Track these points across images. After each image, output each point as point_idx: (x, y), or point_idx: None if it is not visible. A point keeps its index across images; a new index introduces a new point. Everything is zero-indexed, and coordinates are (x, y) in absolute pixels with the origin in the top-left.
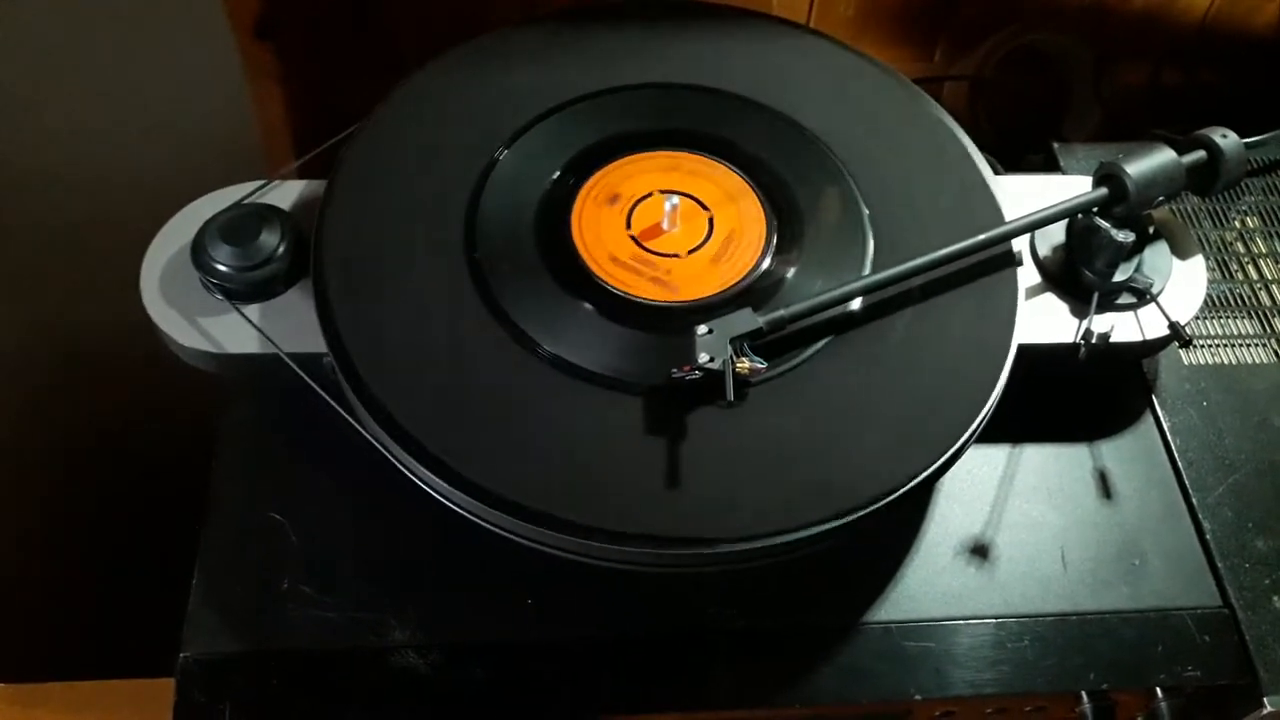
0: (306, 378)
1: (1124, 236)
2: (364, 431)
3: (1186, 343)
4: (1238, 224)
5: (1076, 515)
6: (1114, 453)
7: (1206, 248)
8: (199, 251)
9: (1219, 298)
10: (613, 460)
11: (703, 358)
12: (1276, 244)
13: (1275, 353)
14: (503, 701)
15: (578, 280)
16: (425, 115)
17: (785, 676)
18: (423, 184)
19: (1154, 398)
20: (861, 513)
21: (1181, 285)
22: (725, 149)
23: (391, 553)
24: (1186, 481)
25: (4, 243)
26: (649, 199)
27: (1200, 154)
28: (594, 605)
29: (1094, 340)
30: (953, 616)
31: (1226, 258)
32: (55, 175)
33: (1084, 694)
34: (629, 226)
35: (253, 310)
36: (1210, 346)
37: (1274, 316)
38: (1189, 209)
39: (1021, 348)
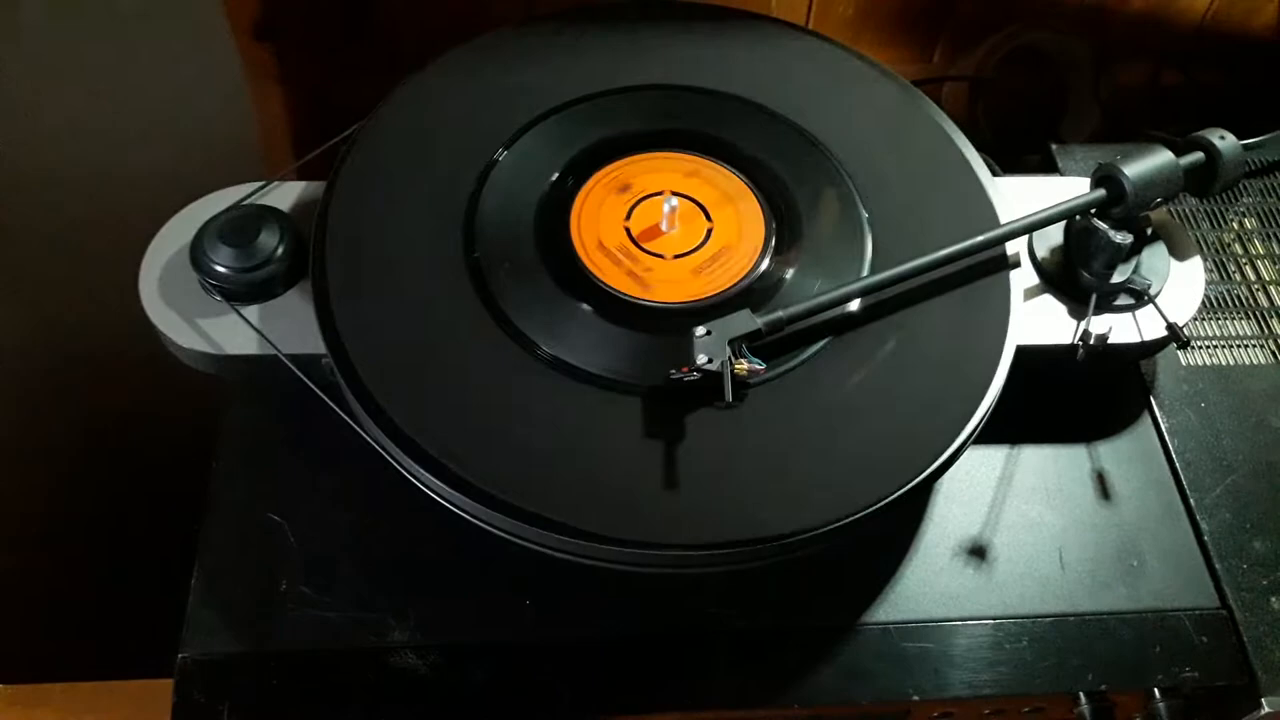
0: (305, 379)
1: (1122, 238)
2: (362, 433)
3: (1184, 344)
4: (1235, 225)
5: (1075, 516)
6: (1112, 454)
7: (1204, 249)
8: (198, 253)
9: (1217, 299)
10: (611, 461)
11: (701, 359)
12: (1274, 245)
13: (1273, 354)
14: (502, 702)
15: (576, 281)
16: (424, 116)
17: (784, 677)
18: (422, 185)
19: (1152, 399)
20: (860, 514)
21: (1179, 286)
22: (724, 150)
23: (390, 554)
24: (1184, 482)
25: (3, 243)
26: (648, 200)
27: (1198, 155)
28: (593, 606)
29: (1092, 341)
30: (951, 617)
31: (1224, 259)
32: (55, 175)
33: (1082, 695)
34: (628, 228)
35: (251, 311)
36: (1208, 348)
37: (1272, 318)
38: (1187, 210)
39: (1019, 349)
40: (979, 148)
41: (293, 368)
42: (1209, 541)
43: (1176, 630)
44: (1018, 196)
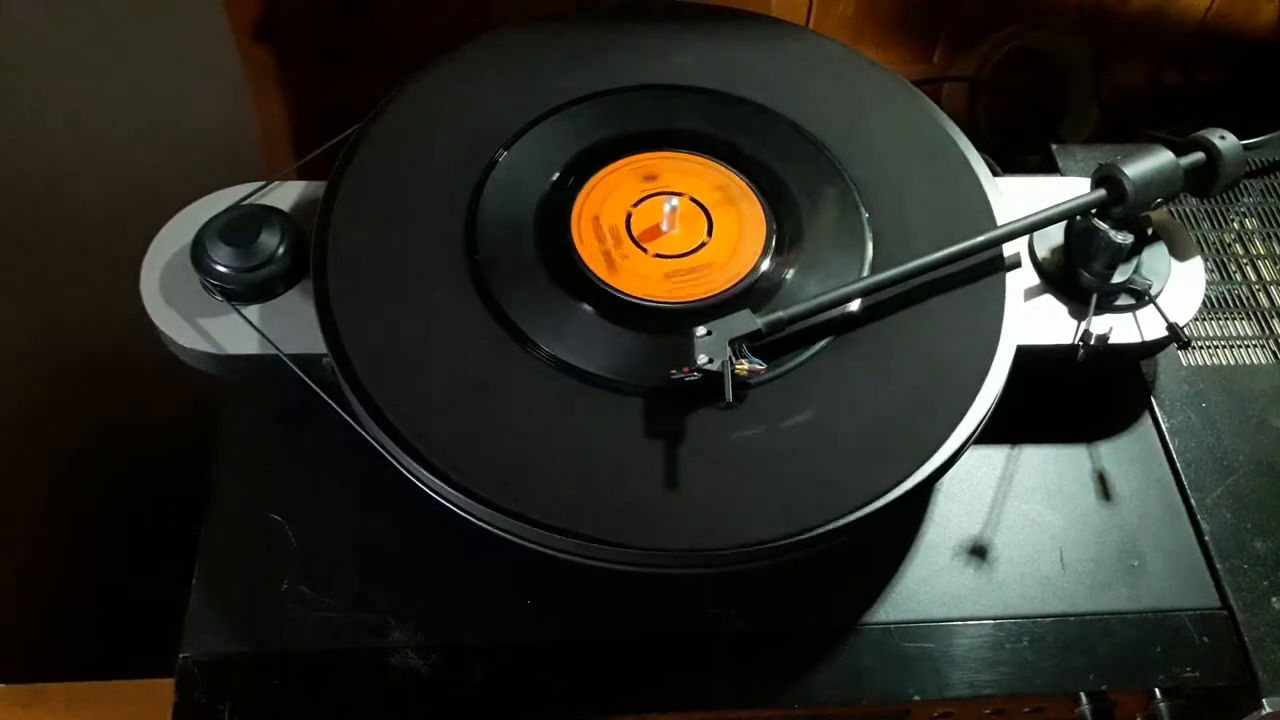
0: (306, 378)
1: (1122, 238)
2: (363, 432)
3: (1185, 344)
4: (1236, 225)
5: (1075, 516)
6: (1113, 454)
7: (1205, 249)
8: (199, 252)
9: (1217, 299)
10: (611, 461)
11: (701, 359)
12: (1275, 245)
13: (1274, 354)
14: (502, 702)
15: (577, 282)
16: (425, 116)
17: (784, 677)
18: (422, 185)
19: (1153, 399)
20: (861, 514)
21: (1180, 287)
22: (725, 150)
23: (391, 553)
24: (1185, 482)
25: (3, 243)
26: (649, 200)
27: (1199, 155)
28: (593, 606)
29: (1093, 341)
30: (951, 617)
31: (1225, 259)
32: (55, 176)
33: (1083, 695)
34: (629, 228)
35: (252, 311)
36: (1209, 348)
37: (1272, 318)
38: (1187, 210)
39: (1020, 349)
40: (979, 148)
41: (294, 367)
42: (1210, 541)
43: (1177, 630)
44: (1018, 197)
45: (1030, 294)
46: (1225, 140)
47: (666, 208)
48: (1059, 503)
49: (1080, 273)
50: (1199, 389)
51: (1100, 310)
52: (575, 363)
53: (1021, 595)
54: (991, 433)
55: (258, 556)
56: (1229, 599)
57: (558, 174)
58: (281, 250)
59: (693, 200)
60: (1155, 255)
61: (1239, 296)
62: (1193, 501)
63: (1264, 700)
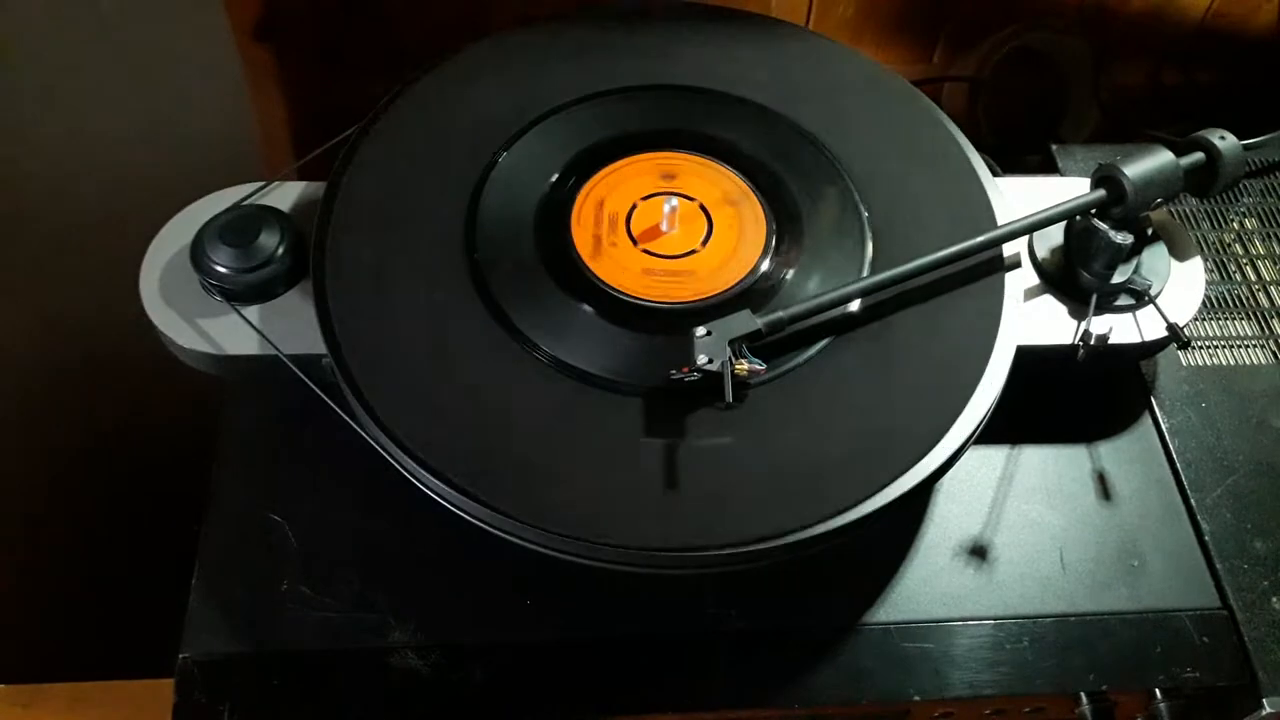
0: (306, 379)
1: (1122, 238)
2: (363, 433)
3: (1185, 344)
4: (1236, 225)
5: (1075, 516)
6: (1113, 454)
7: (1205, 249)
8: (198, 253)
9: (1217, 299)
10: (611, 461)
11: (701, 359)
12: (1275, 245)
13: (1274, 354)
14: (502, 702)
15: (577, 282)
16: (425, 116)
17: (784, 677)
18: (422, 185)
19: (1152, 399)
20: (861, 514)
21: (1180, 287)
22: (725, 151)
23: (391, 553)
24: (1185, 483)
25: (4, 243)
26: (648, 201)
27: (1198, 156)
28: (593, 606)
29: (1092, 341)
30: (951, 617)
31: (1225, 259)
32: (55, 176)
33: (1083, 695)
34: (629, 228)
35: (252, 312)
36: (1209, 348)
37: (1272, 318)
38: (1187, 210)
39: (1020, 349)
40: (979, 148)
41: (293, 368)
42: (1210, 542)
43: (1177, 630)
44: (1018, 197)
45: (1030, 294)
46: (1225, 140)
47: (666, 208)
48: (1059, 503)
49: (1080, 273)
50: (1199, 389)
51: (1100, 310)
52: (575, 363)
53: (1021, 595)
54: (991, 433)
55: (258, 557)
56: (1229, 599)
57: (557, 175)
58: (281, 251)
59: (700, 206)
60: (1155, 255)
61: (1239, 296)
62: (1193, 501)
63: (1264, 700)
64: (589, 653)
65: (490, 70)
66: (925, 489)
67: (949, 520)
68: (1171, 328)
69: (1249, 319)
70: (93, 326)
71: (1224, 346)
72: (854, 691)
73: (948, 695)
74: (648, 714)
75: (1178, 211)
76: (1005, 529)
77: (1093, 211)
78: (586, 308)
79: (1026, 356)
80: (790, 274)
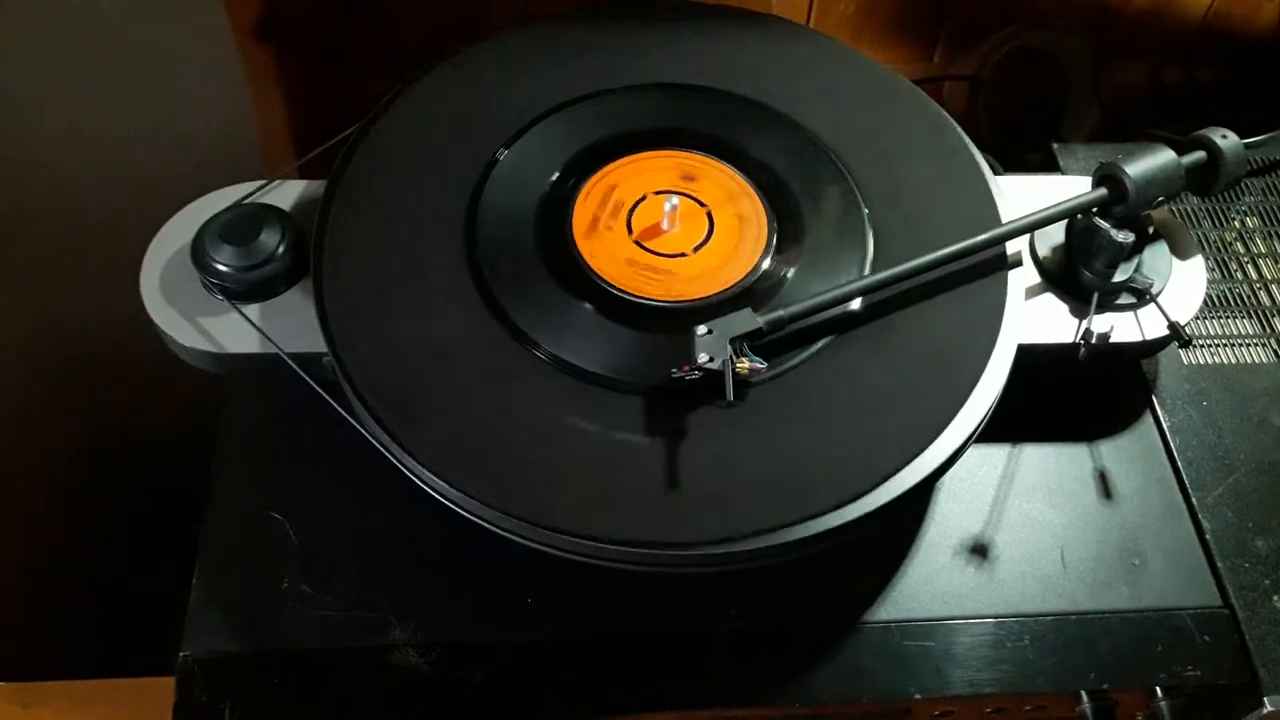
0: (307, 377)
1: (1123, 237)
2: (364, 431)
3: (1186, 343)
4: (1237, 224)
5: (1076, 515)
6: (1114, 452)
7: (1206, 248)
8: (199, 251)
9: (1218, 298)
10: (612, 460)
11: (702, 358)
12: (1276, 244)
13: (1275, 352)
14: (502, 700)
15: (578, 280)
16: (426, 115)
17: (785, 676)
18: (423, 184)
19: (1154, 397)
20: (862, 513)
21: (1181, 285)
22: (725, 149)
23: (391, 552)
24: (1186, 481)
25: (4, 242)
26: (649, 199)
27: (1200, 154)
28: (594, 605)
29: (1094, 340)
30: (952, 616)
31: (1226, 258)
32: (55, 175)
33: (1084, 694)
34: (629, 227)
35: (253, 310)
36: (1210, 346)
37: (1273, 316)
38: (1189, 209)
39: (1021, 348)
40: (980, 147)
41: (294, 366)
42: (1211, 540)
43: (1178, 629)
44: (1019, 195)
45: (1031, 293)
46: (1227, 139)
47: (667, 206)
48: (1060, 501)
49: (1081, 271)
50: (1200, 387)
51: (1101, 309)
52: (575, 361)
53: (1022, 594)
54: (992, 431)
55: (258, 555)
56: (1230, 598)
57: (558, 173)
58: (282, 249)
59: (692, 198)
60: (1156, 254)
61: (1240, 295)
62: (1194, 500)
63: (1265, 699)
64: (589, 651)
65: (491, 68)
66: (926, 487)
67: (950, 519)
68: (1173, 326)
69: (1250, 317)
70: (93, 326)
71: (1225, 345)
72: (855, 690)
73: (948, 693)
74: (648, 713)
75: (1179, 210)
76: (1006, 527)
77: (1094, 210)
78: (587, 306)
79: (1028, 355)
80: (791, 272)
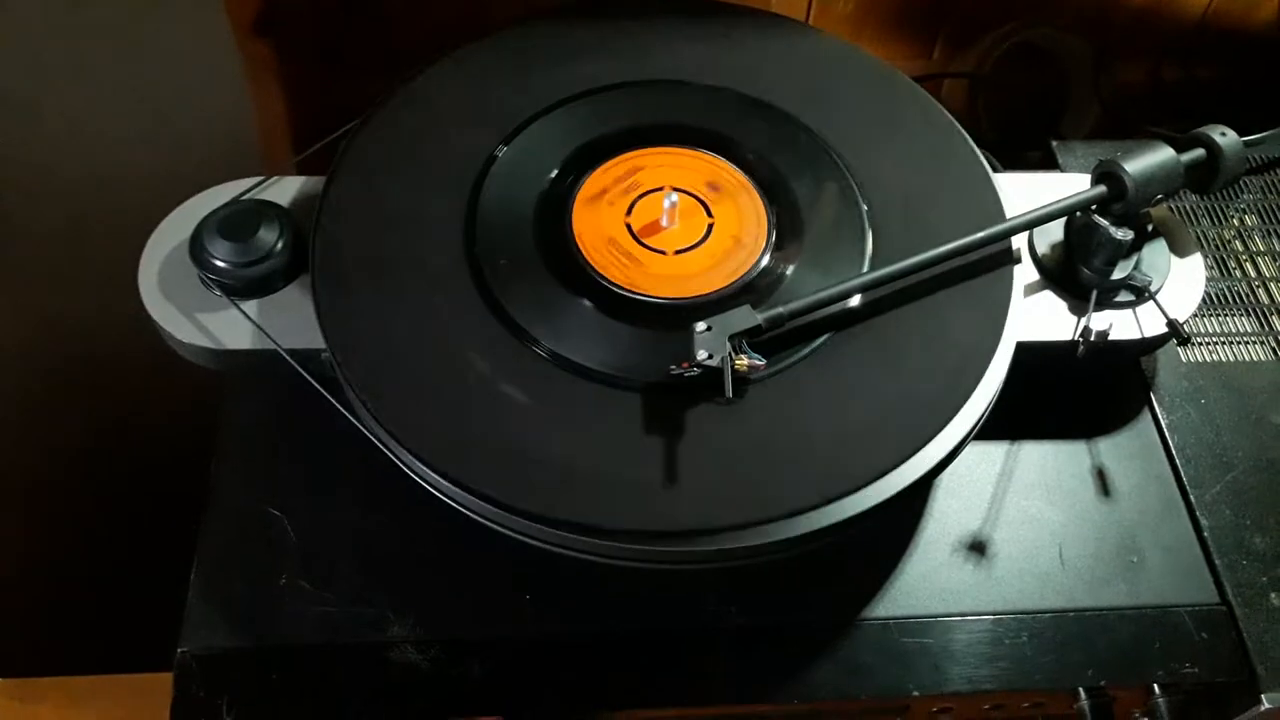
0: (305, 373)
1: (1122, 234)
2: (362, 427)
3: (1185, 340)
4: (1236, 222)
5: (1075, 512)
6: (1112, 450)
7: (1205, 245)
8: (197, 247)
9: (1217, 295)
10: (610, 457)
11: (701, 354)
12: (1275, 242)
13: (1273, 350)
14: (501, 696)
15: (576, 277)
16: (424, 111)
17: (783, 672)
18: (422, 180)
19: (1152, 395)
20: (860, 510)
21: (1180, 283)
22: (725, 145)
23: (390, 548)
24: (1184, 479)
25: (4, 238)
26: (648, 196)
27: (1199, 152)
28: (593, 601)
29: (1092, 338)
30: (950, 613)
31: (1225, 255)
32: (53, 172)
33: (1082, 691)
34: (629, 224)
35: (251, 306)
36: (1208, 344)
37: (1272, 314)
38: (1187, 207)
39: (1020, 345)
40: (979, 144)
41: (292, 362)
42: (1209, 538)
43: (1176, 626)
44: (1018, 193)
45: (1030, 290)
46: (1226, 136)
47: (666, 203)
48: (1058, 499)
49: (1080, 269)
50: (1198, 385)
51: (1100, 306)
52: (574, 358)
53: (1020, 591)
54: (991, 428)
55: (257, 551)
56: (1228, 595)
57: (557, 170)
58: (280, 245)
59: (692, 195)
60: (1155, 252)
61: (1238, 293)
62: (1192, 498)
63: (1263, 696)
64: (588, 648)
65: (490, 65)
66: (925, 484)
67: (948, 516)
68: (1171, 324)
69: (1249, 315)
70: (93, 325)
71: (1224, 343)
72: (853, 687)
73: (947, 690)
74: (647, 709)
75: (1178, 208)
76: (1004, 525)
77: (1093, 207)
78: (585, 302)
79: (1026, 352)
80: (790, 269)
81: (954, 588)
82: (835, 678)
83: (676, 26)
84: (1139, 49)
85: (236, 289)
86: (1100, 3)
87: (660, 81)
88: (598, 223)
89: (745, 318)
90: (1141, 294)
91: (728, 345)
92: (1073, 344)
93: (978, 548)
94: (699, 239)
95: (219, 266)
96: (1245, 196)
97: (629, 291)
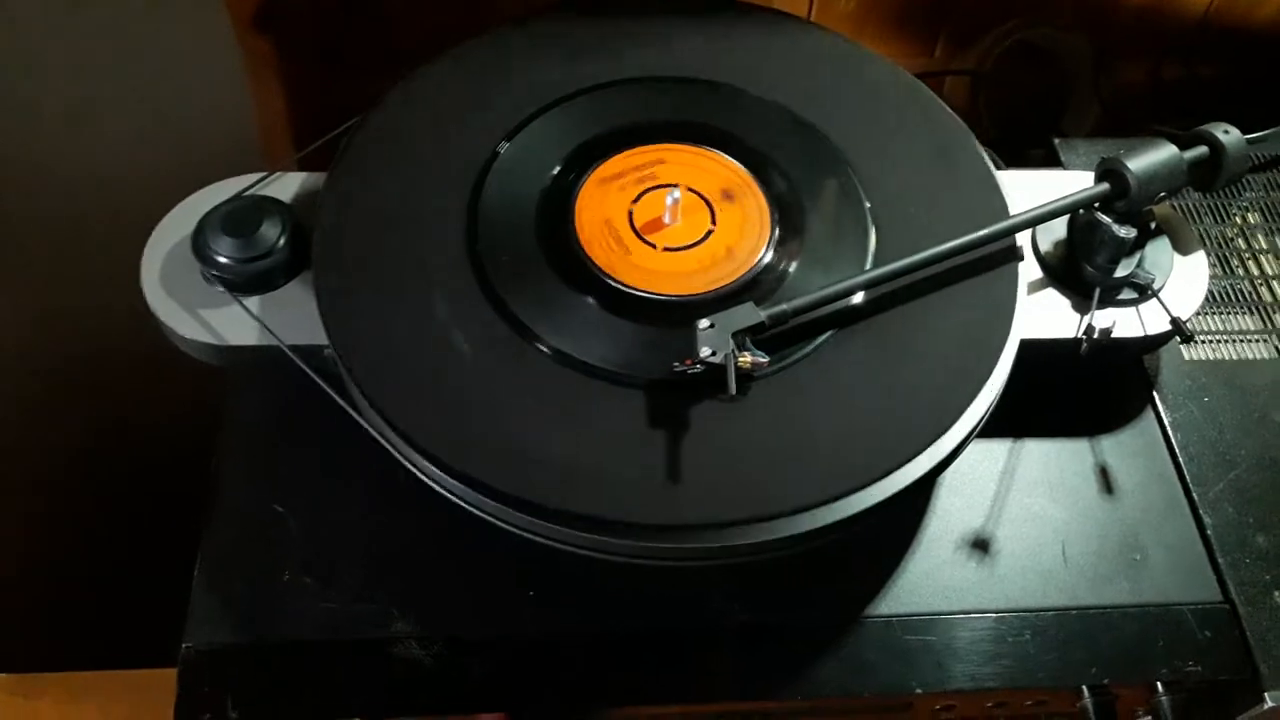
0: (308, 369)
1: (1125, 232)
2: (365, 424)
3: (1188, 338)
4: (1239, 220)
5: (1077, 510)
6: (1115, 448)
7: (1207, 243)
8: (200, 243)
9: (1220, 293)
10: (614, 454)
11: (705, 351)
12: (1277, 240)
13: (1276, 348)
14: (504, 693)
15: (579, 274)
16: (427, 107)
17: (787, 670)
18: (424, 177)
19: (1155, 393)
20: (863, 507)
21: (1183, 281)
22: (727, 142)
23: (393, 544)
24: (1187, 477)
25: (8, 235)
26: (651, 192)
27: (1202, 149)
28: (596, 598)
29: (1095, 335)
30: (954, 610)
31: (1227, 253)
32: (55, 169)
33: (1085, 689)
34: (631, 221)
35: (254, 302)
36: (1211, 342)
37: (1275, 312)
38: (1190, 205)
39: (1023, 342)
40: (981, 142)
41: (295, 358)
42: (1212, 536)
43: (1179, 624)
44: (1021, 190)
45: (1033, 288)
46: (1229, 134)
47: (669, 200)
48: (1061, 496)
49: (1083, 267)
50: (1201, 383)
51: (1103, 304)
52: (577, 355)
53: (1023, 589)
54: (994, 426)
55: (260, 548)
56: (1231, 593)
57: (559, 166)
58: (282, 241)
59: (695, 193)
60: (1158, 249)
61: (1241, 291)
62: (1195, 496)
63: (1265, 694)
64: (592, 645)
65: (492, 62)
66: (928, 482)
67: (951, 513)
68: (1174, 322)
69: (1251, 313)
70: (94, 319)
71: (1226, 341)
72: (856, 684)
73: (949, 688)
74: (650, 706)
75: (1180, 206)
76: (1007, 522)
77: (1096, 205)
78: (589, 300)
79: (1029, 350)
80: (793, 266)
81: (957, 585)
82: (838, 675)
83: (677, 23)
84: (1140, 48)
85: (239, 284)
86: (1101, 1)
87: (661, 78)
88: (603, 202)
89: (748, 315)
90: (1144, 292)
91: (731, 342)
92: (1076, 342)
93: (981, 545)
94: (692, 242)
95: (222, 262)
96: (1248, 194)
97: (632, 289)
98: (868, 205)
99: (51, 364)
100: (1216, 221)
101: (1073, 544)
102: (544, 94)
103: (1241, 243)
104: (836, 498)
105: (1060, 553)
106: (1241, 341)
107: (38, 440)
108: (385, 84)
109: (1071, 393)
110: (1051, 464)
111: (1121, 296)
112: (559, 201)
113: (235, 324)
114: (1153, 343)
